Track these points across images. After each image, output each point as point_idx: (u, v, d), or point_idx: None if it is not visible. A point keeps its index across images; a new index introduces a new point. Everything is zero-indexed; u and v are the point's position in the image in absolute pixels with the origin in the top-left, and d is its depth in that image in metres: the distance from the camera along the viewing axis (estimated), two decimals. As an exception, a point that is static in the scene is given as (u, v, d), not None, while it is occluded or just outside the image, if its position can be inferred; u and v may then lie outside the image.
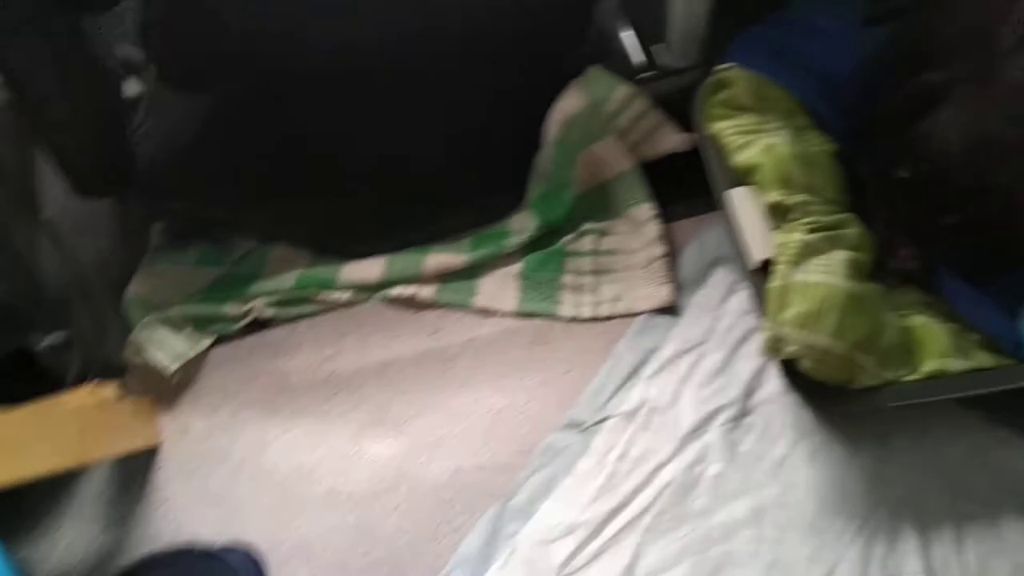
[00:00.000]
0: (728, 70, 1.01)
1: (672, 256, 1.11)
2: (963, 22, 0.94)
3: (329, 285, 1.15)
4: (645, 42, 1.18)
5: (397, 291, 1.13)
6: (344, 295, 1.15)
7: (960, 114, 0.87)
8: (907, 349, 0.90)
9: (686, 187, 1.09)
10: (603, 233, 1.14)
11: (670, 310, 1.08)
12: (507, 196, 1.17)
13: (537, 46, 1.10)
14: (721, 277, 1.10)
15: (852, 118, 1.04)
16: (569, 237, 1.14)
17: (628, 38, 1.22)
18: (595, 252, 1.13)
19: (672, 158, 1.13)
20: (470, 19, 1.03)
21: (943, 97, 0.88)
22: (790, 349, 0.86)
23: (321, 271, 1.16)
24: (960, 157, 0.86)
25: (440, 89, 1.07)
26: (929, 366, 0.89)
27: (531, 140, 1.12)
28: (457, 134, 1.11)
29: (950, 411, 0.96)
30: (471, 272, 1.14)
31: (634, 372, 1.05)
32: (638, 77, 1.17)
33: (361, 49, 1.03)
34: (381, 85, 1.08)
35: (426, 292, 1.13)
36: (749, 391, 1.01)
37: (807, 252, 0.91)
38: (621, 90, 1.10)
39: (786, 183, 0.95)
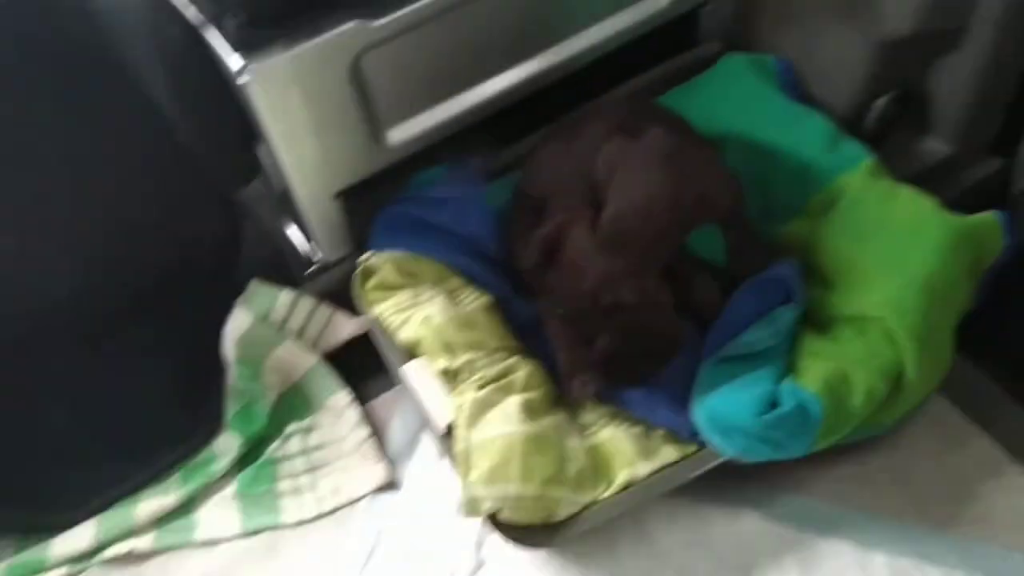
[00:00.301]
0: (371, 257, 1.08)
1: (379, 434, 1.15)
2: (563, 166, 1.07)
3: (41, 568, 1.10)
4: (308, 238, 1.24)
5: (113, 551, 1.10)
6: (59, 573, 1.10)
7: (581, 247, 0.97)
8: (597, 467, 0.98)
9: (379, 363, 1.14)
10: (308, 430, 1.16)
11: (390, 485, 1.12)
12: (205, 425, 1.17)
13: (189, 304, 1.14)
14: (430, 442, 1.15)
15: (504, 265, 1.13)
16: (276, 444, 1.16)
17: (294, 234, 1.28)
18: (305, 451, 1.15)
19: (360, 338, 1.18)
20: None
21: (564, 235, 0.98)
22: (486, 506, 0.91)
23: (29, 556, 1.11)
24: (591, 284, 0.95)
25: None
26: (621, 477, 0.97)
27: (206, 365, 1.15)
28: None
29: (661, 504, 1.04)
30: (187, 508, 1.12)
31: (370, 555, 1.07)
32: (308, 272, 1.22)
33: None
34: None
35: (144, 542, 1.10)
36: (479, 543, 1.05)
37: (481, 409, 0.97)
38: (283, 297, 1.14)
39: (448, 349, 1.01)
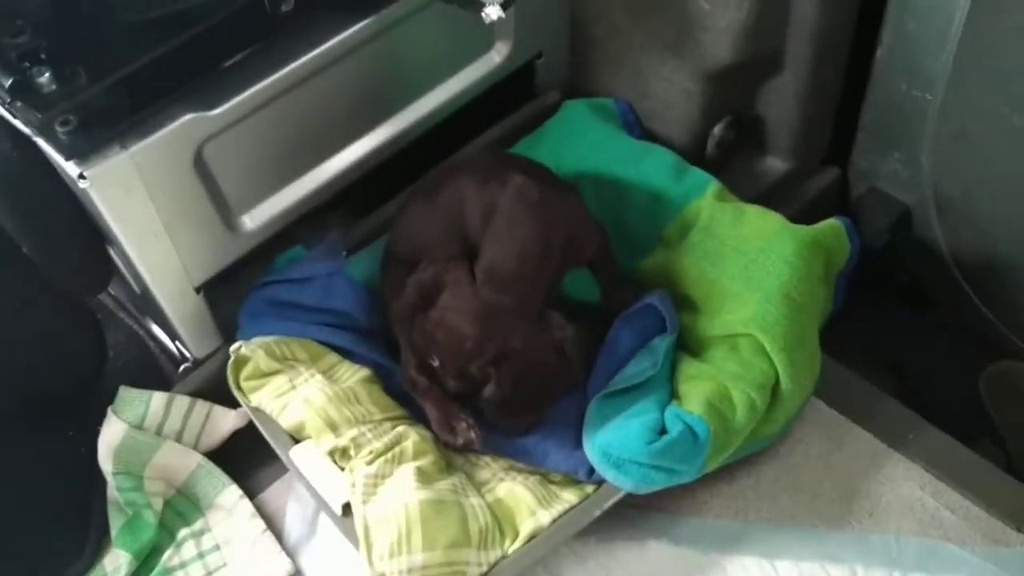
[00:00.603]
0: (242, 346, 1.06)
1: (275, 525, 1.12)
2: (431, 223, 1.08)
3: None
4: (173, 337, 1.21)
5: None
6: None
7: (459, 299, 0.98)
8: (500, 522, 0.97)
9: (266, 452, 1.11)
10: (201, 533, 1.12)
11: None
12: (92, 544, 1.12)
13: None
14: (328, 525, 1.12)
15: (378, 335, 1.13)
16: (169, 552, 1.11)
17: (161, 333, 1.25)
18: (201, 555, 1.11)
19: (244, 429, 1.15)
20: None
21: (441, 284, 0.99)
22: (397, 581, 0.90)
23: None
24: (475, 336, 0.96)
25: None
26: (526, 528, 0.97)
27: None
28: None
29: (569, 548, 1.03)
30: (82, 635, 1.07)
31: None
32: (180, 370, 1.20)
33: None
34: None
35: None
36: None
37: (375, 482, 0.96)
38: (156, 400, 1.11)
39: (333, 427, 1.00)
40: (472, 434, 0.99)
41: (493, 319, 0.96)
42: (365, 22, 1.05)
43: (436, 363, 0.99)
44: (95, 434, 1.11)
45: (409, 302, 1.00)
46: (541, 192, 1.02)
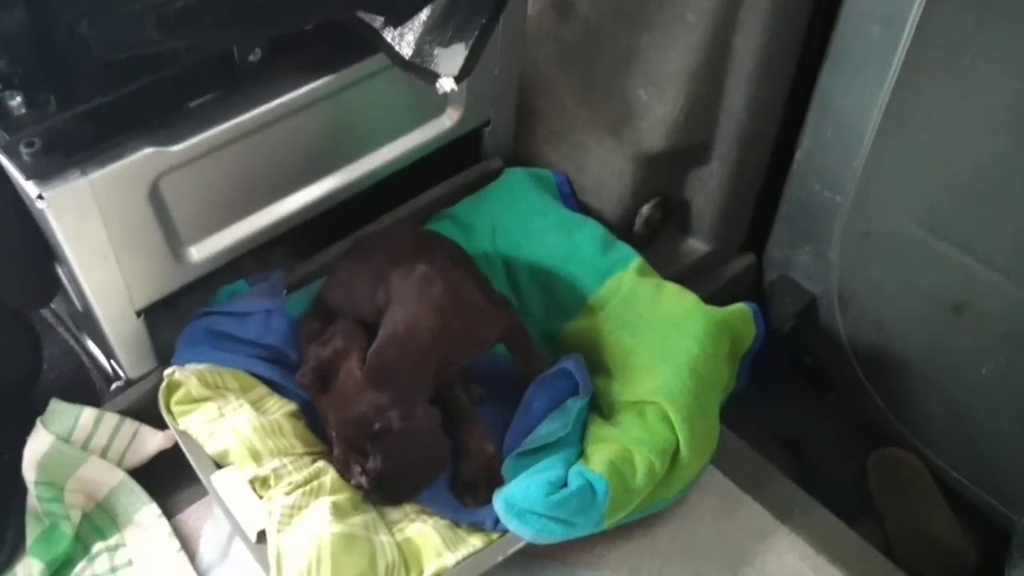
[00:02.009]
0: (174, 372, 1.10)
1: (190, 546, 1.15)
2: (354, 287, 1.14)
3: None
4: (109, 356, 1.24)
5: None
6: None
7: (352, 377, 1.02)
8: (407, 561, 1.02)
9: (188, 475, 1.14)
10: (115, 548, 1.14)
11: (205, 596, 1.12)
12: (5, 552, 1.13)
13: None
14: (242, 551, 1.15)
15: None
16: (82, 564, 1.13)
17: (97, 351, 1.28)
18: (113, 569, 1.13)
19: (169, 451, 1.18)
20: None
21: (339, 363, 1.04)
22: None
23: None
24: (359, 411, 1.01)
25: None
26: (430, 569, 1.01)
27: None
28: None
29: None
30: (-14, 641, 1.09)
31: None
32: (112, 388, 1.22)
33: None
34: None
35: None
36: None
37: (291, 513, 1.00)
38: (85, 415, 1.13)
39: (256, 456, 1.04)
40: (363, 480, 1.04)
41: (376, 401, 1.00)
42: (326, 79, 1.11)
43: (333, 434, 1.05)
44: (22, 443, 1.13)
45: (307, 378, 1.06)
46: (444, 284, 1.06)
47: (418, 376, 1.04)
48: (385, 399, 1.00)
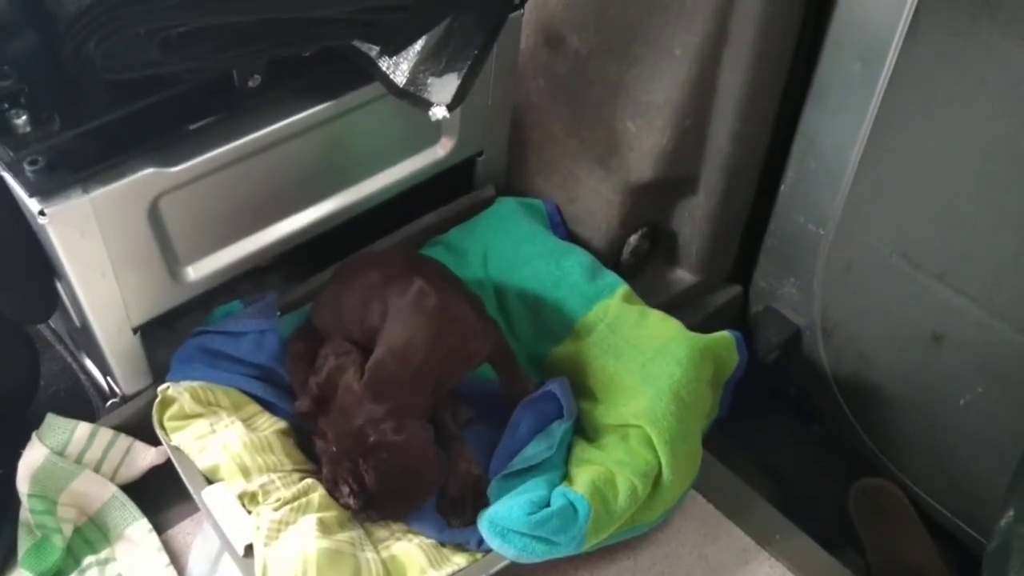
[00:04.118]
0: (168, 389, 1.12)
1: (179, 562, 1.16)
2: (342, 309, 1.16)
3: None
4: (105, 372, 1.26)
5: None
6: None
7: (351, 392, 1.05)
8: (391, 576, 1.04)
9: (180, 491, 1.16)
10: (106, 562, 1.16)
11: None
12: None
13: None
14: (230, 565, 1.17)
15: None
16: (72, 577, 1.15)
17: (93, 367, 1.30)
18: (102, 583, 1.15)
19: (162, 466, 1.20)
20: None
21: (336, 382, 1.07)
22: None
23: None
24: (358, 423, 1.03)
25: None
26: (414, 585, 1.03)
27: None
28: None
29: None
30: (-27, 652, 1.10)
31: None
32: (107, 404, 1.24)
33: None
34: None
35: None
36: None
37: (278, 528, 1.02)
38: (80, 430, 1.15)
39: (245, 472, 1.06)
40: (351, 500, 1.05)
41: (374, 413, 1.03)
42: (324, 105, 1.14)
43: (332, 450, 1.07)
44: (17, 457, 1.14)
45: (305, 405, 1.08)
46: (438, 300, 1.08)
47: (415, 390, 1.06)
48: (381, 412, 1.02)
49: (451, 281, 1.20)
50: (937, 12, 1.05)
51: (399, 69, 1.13)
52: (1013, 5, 0.99)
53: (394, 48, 1.10)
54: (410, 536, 1.09)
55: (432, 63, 1.12)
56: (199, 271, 1.17)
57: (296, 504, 1.05)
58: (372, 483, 1.03)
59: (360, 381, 1.04)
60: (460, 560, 1.07)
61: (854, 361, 1.35)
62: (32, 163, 0.96)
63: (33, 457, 1.14)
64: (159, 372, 1.20)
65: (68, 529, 1.15)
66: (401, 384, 1.04)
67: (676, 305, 1.38)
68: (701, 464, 1.17)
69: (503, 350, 1.18)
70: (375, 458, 1.02)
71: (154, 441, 1.17)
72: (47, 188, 0.97)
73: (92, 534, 1.18)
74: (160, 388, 1.13)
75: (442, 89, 1.11)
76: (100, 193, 1.00)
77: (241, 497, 1.06)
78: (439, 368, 1.07)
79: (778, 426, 1.50)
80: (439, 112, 1.10)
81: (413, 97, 1.12)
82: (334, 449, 1.05)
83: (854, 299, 1.31)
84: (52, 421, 1.16)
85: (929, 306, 1.21)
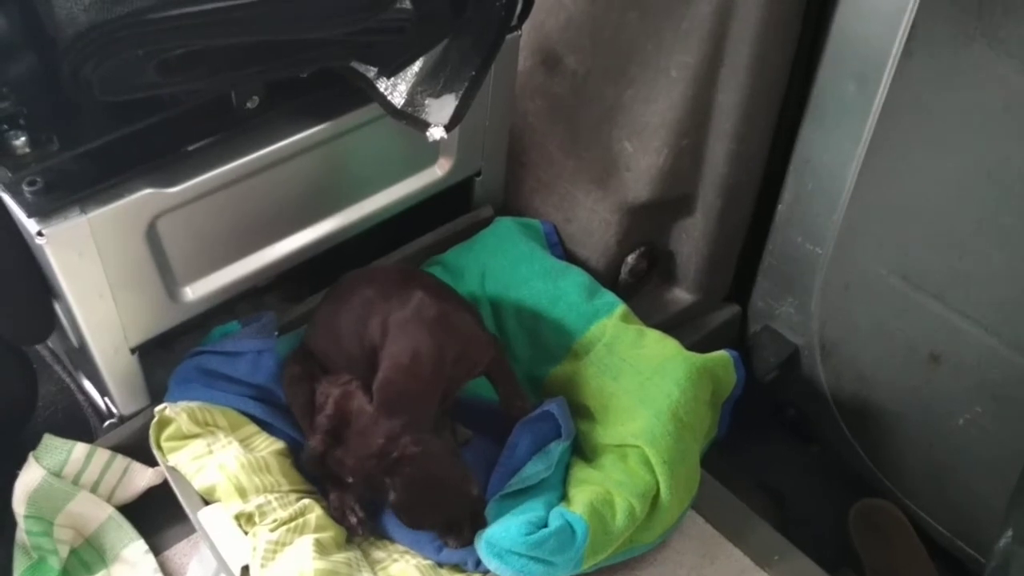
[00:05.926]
0: (165, 409, 1.12)
1: (175, 583, 1.17)
2: (339, 329, 1.16)
3: None
4: (103, 392, 1.26)
5: None
6: None
7: (363, 415, 1.05)
8: (386, 598, 1.04)
9: (177, 512, 1.16)
10: (101, 584, 1.16)
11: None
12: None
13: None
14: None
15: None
16: (68, 600, 1.15)
17: (91, 387, 1.30)
18: (98, 605, 1.15)
19: (159, 487, 1.19)
20: None
21: (346, 411, 1.07)
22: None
23: None
24: (377, 443, 1.03)
25: None
26: (413, 606, 1.03)
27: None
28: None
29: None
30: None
31: None
32: (105, 424, 1.24)
33: None
34: None
35: None
36: None
37: (274, 549, 1.02)
38: (77, 450, 1.15)
39: (242, 493, 1.06)
40: (360, 529, 1.07)
41: (391, 429, 1.03)
42: (322, 126, 1.15)
43: (350, 480, 1.06)
44: (14, 477, 1.14)
45: (319, 449, 1.07)
46: (438, 310, 1.10)
47: (426, 401, 1.06)
48: (398, 427, 1.02)
49: (448, 291, 1.21)
50: (932, 31, 1.06)
51: (397, 90, 1.13)
52: (1009, 24, 0.99)
53: (392, 69, 1.11)
54: (407, 557, 1.09)
55: (430, 84, 1.13)
56: (197, 291, 1.17)
57: (293, 525, 1.05)
58: (402, 498, 1.03)
59: (371, 403, 1.04)
60: (454, 579, 1.07)
61: (852, 381, 1.35)
62: (30, 184, 0.96)
63: (30, 478, 1.13)
64: (157, 392, 1.20)
65: (64, 550, 1.15)
66: (413, 396, 1.05)
67: (674, 325, 1.38)
68: (699, 484, 1.17)
69: (503, 364, 1.18)
70: (401, 473, 1.02)
71: (151, 462, 1.17)
72: (45, 209, 0.98)
73: (89, 555, 1.17)
74: (157, 408, 1.13)
75: (440, 110, 1.12)
76: (98, 214, 1.00)
77: (238, 518, 1.06)
78: (445, 378, 1.08)
79: (777, 446, 1.50)
80: (437, 133, 1.11)
81: (411, 118, 1.13)
82: (350, 480, 1.05)
83: (852, 319, 1.31)
84: (49, 442, 1.16)
85: (927, 326, 1.21)
